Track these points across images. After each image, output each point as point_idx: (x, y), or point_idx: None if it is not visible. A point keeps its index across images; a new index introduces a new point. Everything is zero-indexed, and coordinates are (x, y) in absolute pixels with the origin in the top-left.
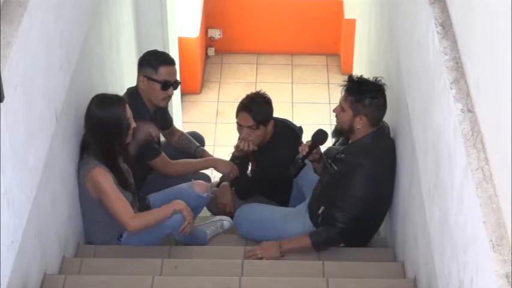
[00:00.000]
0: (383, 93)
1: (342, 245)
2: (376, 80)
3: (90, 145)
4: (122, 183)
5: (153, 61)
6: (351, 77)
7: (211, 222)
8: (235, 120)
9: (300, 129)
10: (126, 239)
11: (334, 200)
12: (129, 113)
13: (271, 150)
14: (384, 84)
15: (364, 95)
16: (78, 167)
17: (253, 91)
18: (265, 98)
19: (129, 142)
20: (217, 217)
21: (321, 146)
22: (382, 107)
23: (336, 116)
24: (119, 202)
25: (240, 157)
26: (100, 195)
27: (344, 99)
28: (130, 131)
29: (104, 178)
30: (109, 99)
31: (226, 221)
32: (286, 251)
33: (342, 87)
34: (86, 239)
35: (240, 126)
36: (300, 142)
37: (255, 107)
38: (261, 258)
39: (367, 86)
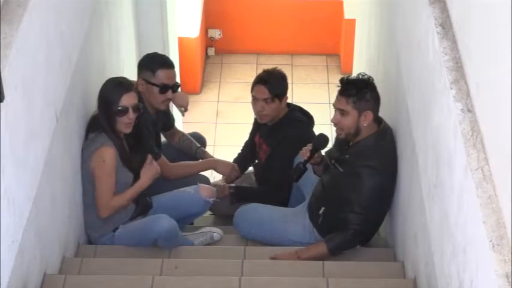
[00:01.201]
0: (375, 85)
1: (358, 246)
2: (361, 76)
3: (99, 122)
4: (125, 159)
5: (151, 64)
6: (342, 80)
7: (201, 233)
8: (235, 120)
9: (313, 120)
10: (118, 234)
11: (344, 203)
12: (131, 102)
13: (281, 128)
14: (370, 77)
15: (364, 91)
16: (84, 147)
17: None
18: (281, 73)
19: (122, 131)
20: (208, 228)
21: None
22: (379, 99)
23: (337, 124)
24: (106, 185)
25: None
26: (96, 172)
27: (345, 103)
28: (125, 120)
29: (109, 158)
30: (120, 81)
31: (216, 234)
32: (305, 259)
33: (338, 95)
34: (85, 229)
35: (255, 100)
36: (311, 130)
37: (272, 80)
38: None
39: (361, 82)
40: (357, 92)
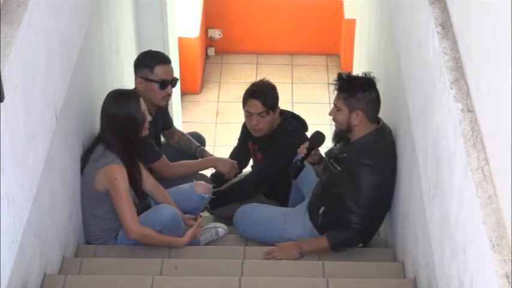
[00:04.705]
0: (374, 86)
1: (360, 245)
2: (365, 74)
3: (108, 140)
4: (133, 181)
5: (148, 62)
6: (340, 75)
7: (206, 229)
8: (235, 120)
9: (306, 124)
10: (121, 237)
11: (344, 202)
12: (143, 106)
13: (276, 138)
14: (374, 77)
15: (356, 90)
16: (87, 158)
17: (256, 80)
18: (270, 84)
19: (145, 135)
20: (212, 224)
21: (320, 148)
22: (376, 100)
23: (333, 118)
24: (128, 205)
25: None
26: (112, 192)
27: (337, 98)
28: (146, 124)
29: (121, 176)
30: (124, 94)
31: (221, 229)
32: (306, 252)
33: (333, 89)
34: (85, 239)
35: (249, 115)
36: (305, 137)
37: (264, 93)
38: (280, 259)
39: (357, 81)
40: (349, 89)
